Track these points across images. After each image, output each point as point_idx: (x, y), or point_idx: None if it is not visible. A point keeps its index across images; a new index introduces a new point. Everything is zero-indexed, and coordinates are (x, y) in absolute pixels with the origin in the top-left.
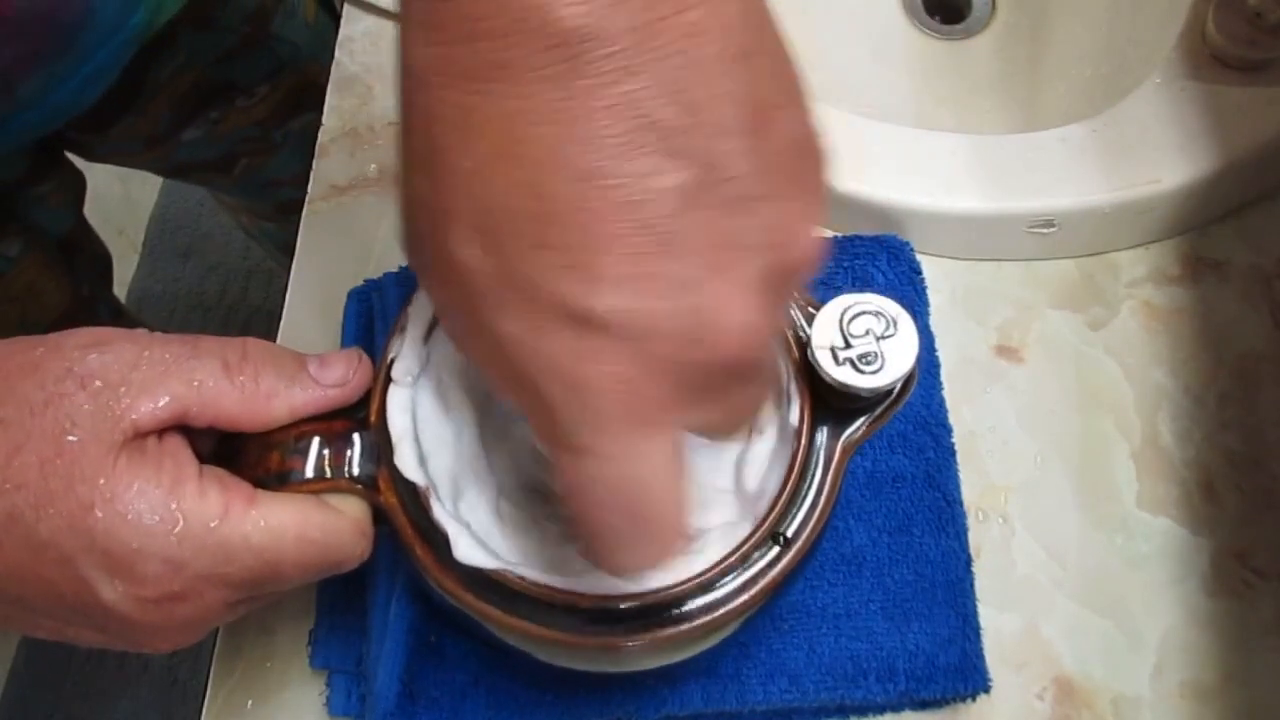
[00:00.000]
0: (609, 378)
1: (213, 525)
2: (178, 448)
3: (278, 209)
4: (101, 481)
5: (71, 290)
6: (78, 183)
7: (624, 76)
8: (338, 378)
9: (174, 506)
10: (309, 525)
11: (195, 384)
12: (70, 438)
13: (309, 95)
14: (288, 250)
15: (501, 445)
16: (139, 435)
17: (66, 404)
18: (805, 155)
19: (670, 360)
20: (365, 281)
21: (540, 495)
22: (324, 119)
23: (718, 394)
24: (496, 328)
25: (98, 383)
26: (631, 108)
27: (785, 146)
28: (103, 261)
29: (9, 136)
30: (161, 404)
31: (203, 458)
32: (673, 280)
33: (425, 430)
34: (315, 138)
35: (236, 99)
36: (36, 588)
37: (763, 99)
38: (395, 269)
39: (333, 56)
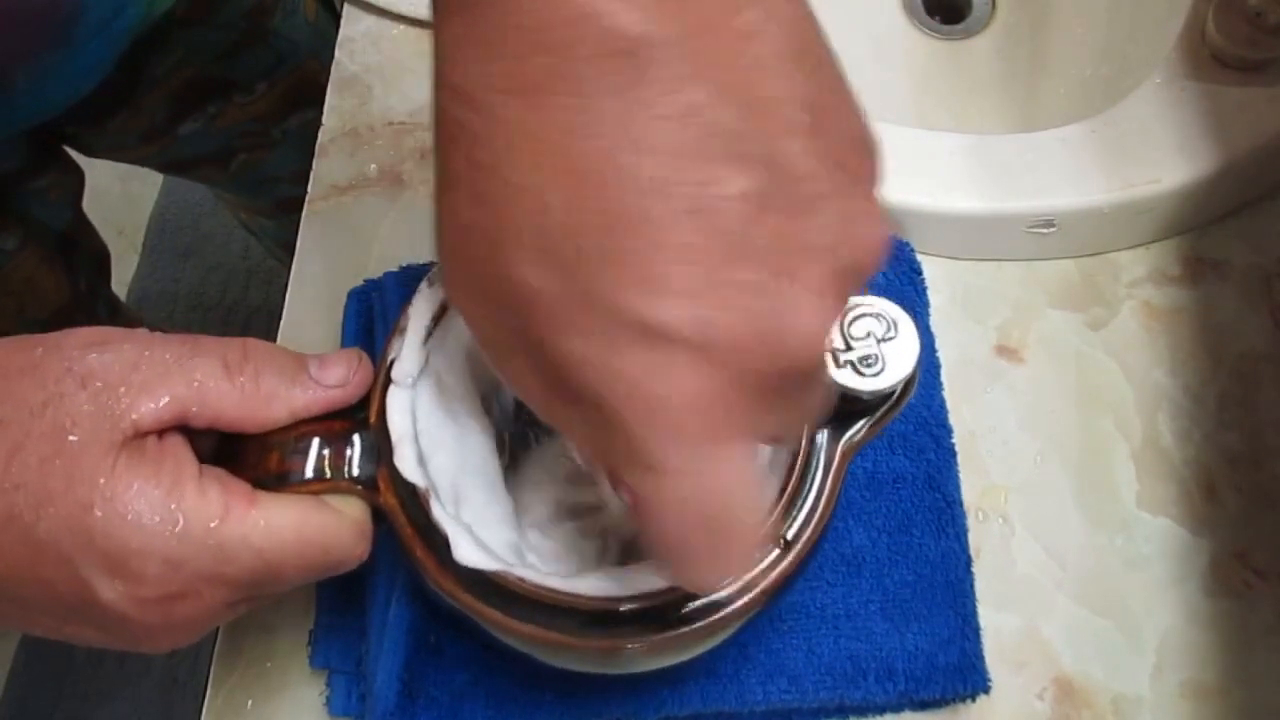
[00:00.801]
0: (685, 392)
1: (213, 525)
2: (178, 447)
3: (276, 206)
4: (101, 481)
5: (70, 285)
6: (76, 178)
7: (684, 83)
8: (338, 378)
9: (174, 506)
10: (309, 526)
11: (195, 384)
12: (70, 437)
13: (308, 92)
14: (287, 247)
15: (528, 467)
16: (139, 435)
17: (66, 404)
18: (862, 151)
19: (745, 369)
20: (365, 281)
21: (571, 512)
22: (324, 119)
23: (788, 399)
24: (562, 349)
25: (98, 383)
26: (693, 114)
27: (843, 142)
28: (101, 257)
29: (3, 124)
30: (162, 404)
31: (203, 458)
32: (745, 288)
33: (425, 432)
34: (314, 135)
35: (234, 95)
36: (35, 587)
37: (818, 97)
38: (395, 269)
39: (333, 55)
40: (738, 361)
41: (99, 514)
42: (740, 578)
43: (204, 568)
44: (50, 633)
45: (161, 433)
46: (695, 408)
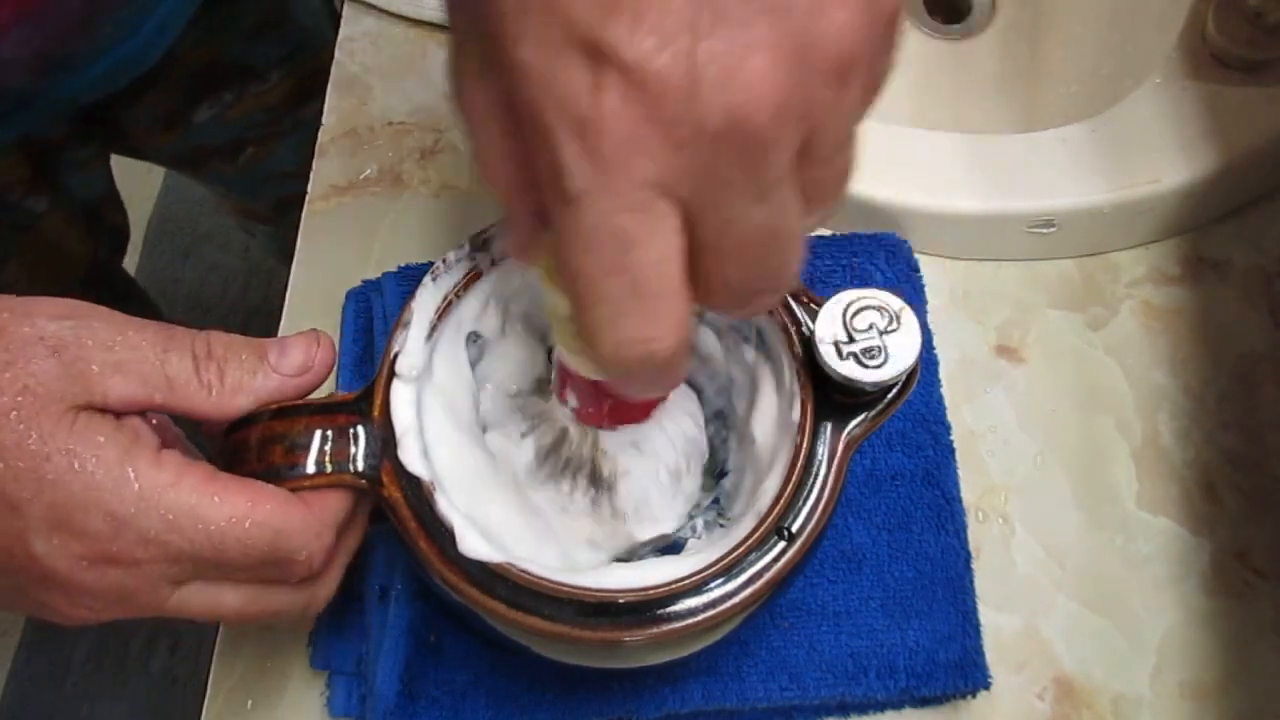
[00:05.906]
0: (613, 117)
1: (162, 490)
2: (138, 423)
3: (276, 208)
4: (59, 435)
5: (91, 253)
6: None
7: None
8: (297, 366)
9: (128, 466)
10: (261, 509)
11: (166, 376)
12: (33, 395)
13: (319, 83)
14: (282, 253)
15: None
16: (103, 409)
17: (34, 366)
18: None
19: (676, 115)
20: (364, 282)
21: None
22: (324, 119)
23: (724, 186)
24: (514, 56)
25: (70, 353)
26: None
27: None
28: (121, 233)
29: (84, 84)
30: (132, 386)
31: (207, 454)
32: (697, 23)
33: (430, 425)
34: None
35: (250, 84)
36: None
37: None
38: (395, 269)
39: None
40: (669, 104)
41: (51, 464)
42: (660, 379)
43: (147, 531)
44: None
45: (120, 414)
46: (619, 134)
